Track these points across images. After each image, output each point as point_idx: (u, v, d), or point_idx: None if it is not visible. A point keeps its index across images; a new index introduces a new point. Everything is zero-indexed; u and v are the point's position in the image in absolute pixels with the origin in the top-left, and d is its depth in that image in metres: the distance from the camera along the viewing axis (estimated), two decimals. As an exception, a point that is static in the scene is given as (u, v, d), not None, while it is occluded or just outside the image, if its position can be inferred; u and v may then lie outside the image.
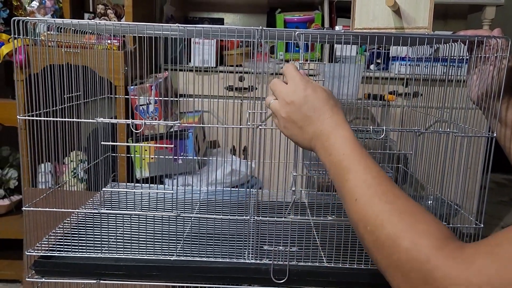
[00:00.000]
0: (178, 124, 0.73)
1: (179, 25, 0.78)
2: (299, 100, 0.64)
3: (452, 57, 0.81)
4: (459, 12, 2.34)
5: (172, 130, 1.51)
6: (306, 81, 0.66)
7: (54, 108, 0.82)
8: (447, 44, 0.81)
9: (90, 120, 0.76)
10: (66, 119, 0.77)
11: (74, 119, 0.77)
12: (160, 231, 0.88)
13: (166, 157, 1.33)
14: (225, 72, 1.90)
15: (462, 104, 0.83)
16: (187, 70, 1.79)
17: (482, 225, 0.84)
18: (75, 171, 1.57)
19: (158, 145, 1.31)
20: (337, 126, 0.62)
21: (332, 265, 0.84)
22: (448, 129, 0.83)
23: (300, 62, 0.77)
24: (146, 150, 1.49)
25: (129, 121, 0.73)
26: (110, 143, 0.76)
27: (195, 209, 1.05)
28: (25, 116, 0.81)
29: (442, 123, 0.87)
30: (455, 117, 0.83)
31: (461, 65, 0.84)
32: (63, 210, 0.84)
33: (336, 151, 0.60)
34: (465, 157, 0.81)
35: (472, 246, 0.45)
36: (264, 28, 0.77)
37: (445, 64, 0.81)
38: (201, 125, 1.55)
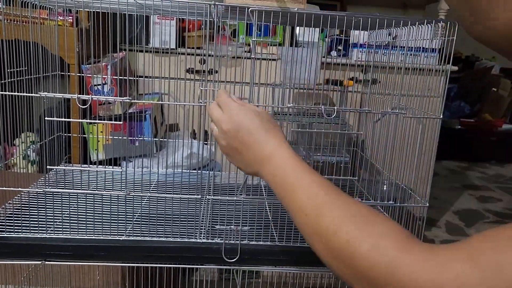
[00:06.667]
0: (128, 101, 0.71)
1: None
2: (234, 127, 0.64)
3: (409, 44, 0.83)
4: (418, 2, 2.42)
5: (128, 111, 1.47)
6: (239, 106, 0.65)
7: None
8: (404, 30, 0.83)
9: (33, 94, 0.73)
10: (7, 93, 0.73)
11: (15, 93, 0.73)
12: (109, 211, 0.86)
13: (122, 138, 1.29)
14: (187, 54, 1.86)
15: (420, 91, 0.86)
16: (150, 52, 1.75)
17: (427, 204, 0.88)
18: (25, 152, 1.51)
19: (104, 121, 1.27)
20: (276, 147, 0.61)
21: (284, 243, 0.84)
22: (402, 114, 0.86)
23: (254, 39, 0.77)
24: (101, 131, 1.44)
25: (75, 95, 0.70)
26: (55, 118, 0.73)
27: (148, 190, 1.04)
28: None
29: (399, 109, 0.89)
30: (413, 104, 0.86)
31: (418, 54, 0.86)
32: (5, 188, 0.80)
33: (279, 171, 0.59)
34: (416, 141, 0.84)
35: (446, 249, 0.40)
36: (217, 3, 0.76)
37: (402, 52, 0.83)
38: (150, 101, 1.52)
